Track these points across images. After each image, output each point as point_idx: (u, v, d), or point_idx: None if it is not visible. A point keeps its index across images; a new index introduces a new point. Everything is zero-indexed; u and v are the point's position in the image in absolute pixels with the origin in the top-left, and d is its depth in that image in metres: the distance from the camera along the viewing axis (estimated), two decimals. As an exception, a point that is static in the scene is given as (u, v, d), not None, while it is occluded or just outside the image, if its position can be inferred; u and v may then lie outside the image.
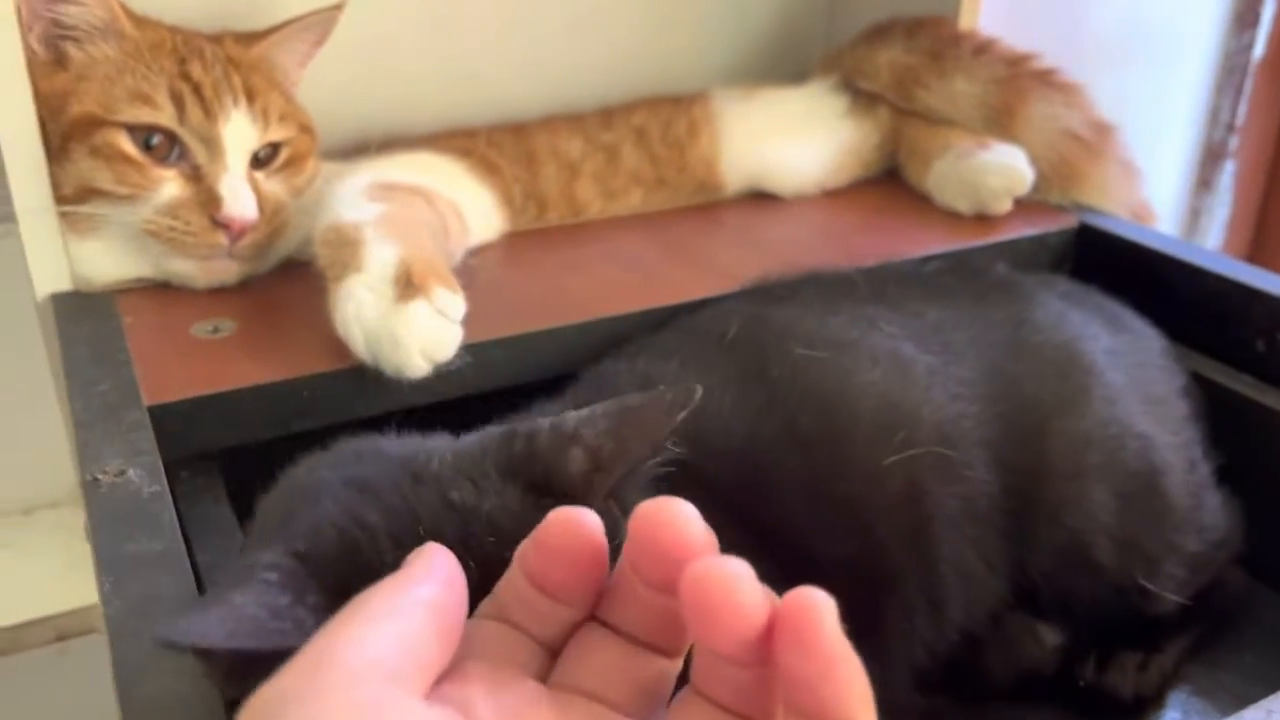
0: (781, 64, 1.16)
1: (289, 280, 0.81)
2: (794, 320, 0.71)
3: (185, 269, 0.78)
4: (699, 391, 0.46)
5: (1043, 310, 0.75)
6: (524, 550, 0.37)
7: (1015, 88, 0.96)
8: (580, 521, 0.36)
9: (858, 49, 1.05)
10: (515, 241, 0.90)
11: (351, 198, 0.76)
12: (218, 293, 0.79)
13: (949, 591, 0.63)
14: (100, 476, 0.56)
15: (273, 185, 0.81)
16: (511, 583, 0.37)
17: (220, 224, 0.76)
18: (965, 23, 1.02)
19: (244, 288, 0.80)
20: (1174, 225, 1.57)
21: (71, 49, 0.76)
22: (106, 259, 0.79)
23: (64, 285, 0.78)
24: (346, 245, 0.71)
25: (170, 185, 0.76)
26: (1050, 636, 0.66)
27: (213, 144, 0.77)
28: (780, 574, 0.59)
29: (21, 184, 0.75)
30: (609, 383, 0.66)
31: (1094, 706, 0.68)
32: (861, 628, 0.60)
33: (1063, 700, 0.69)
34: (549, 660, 0.37)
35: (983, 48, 0.99)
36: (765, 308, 0.73)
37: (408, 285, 0.68)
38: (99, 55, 0.76)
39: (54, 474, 0.99)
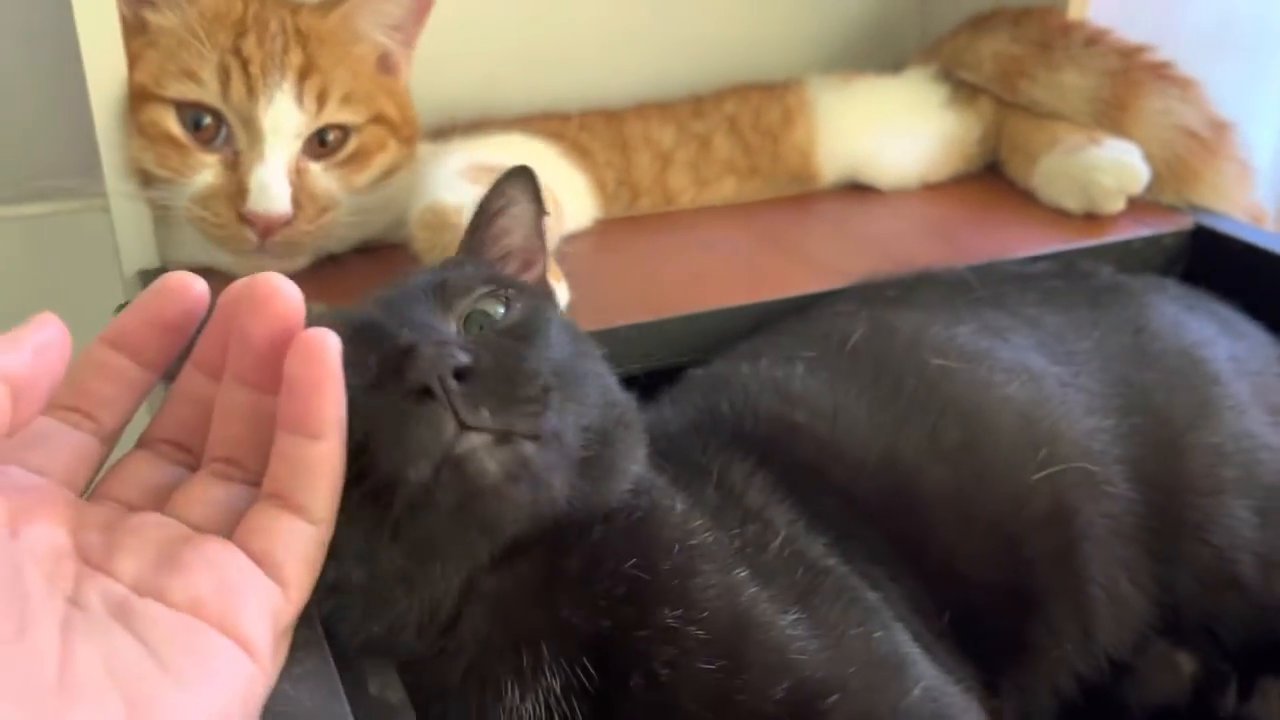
0: (873, 52, 1.13)
1: (377, 261, 0.79)
2: (921, 328, 0.68)
3: (228, 261, 0.75)
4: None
5: (1158, 315, 0.72)
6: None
7: (1129, 81, 0.92)
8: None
9: (959, 38, 1.01)
10: (607, 228, 0.87)
11: (450, 179, 0.74)
12: (305, 274, 0.77)
13: (1099, 615, 0.60)
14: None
15: (327, 179, 0.75)
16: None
17: (246, 220, 0.72)
18: (1074, 13, 0.98)
19: (334, 267, 0.78)
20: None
21: (149, 13, 0.73)
22: (178, 243, 0.77)
23: (152, 263, 0.76)
24: (447, 229, 0.69)
25: (207, 172, 0.72)
26: (1187, 664, 0.63)
27: (252, 127, 0.72)
28: (929, 594, 0.57)
29: (111, 157, 0.73)
30: (730, 385, 0.64)
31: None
32: (1010, 656, 0.59)
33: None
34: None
35: (1094, 39, 0.95)
36: (886, 312, 0.70)
37: (511, 271, 0.66)
38: (166, 23, 0.73)
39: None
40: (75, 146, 0.91)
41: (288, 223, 0.72)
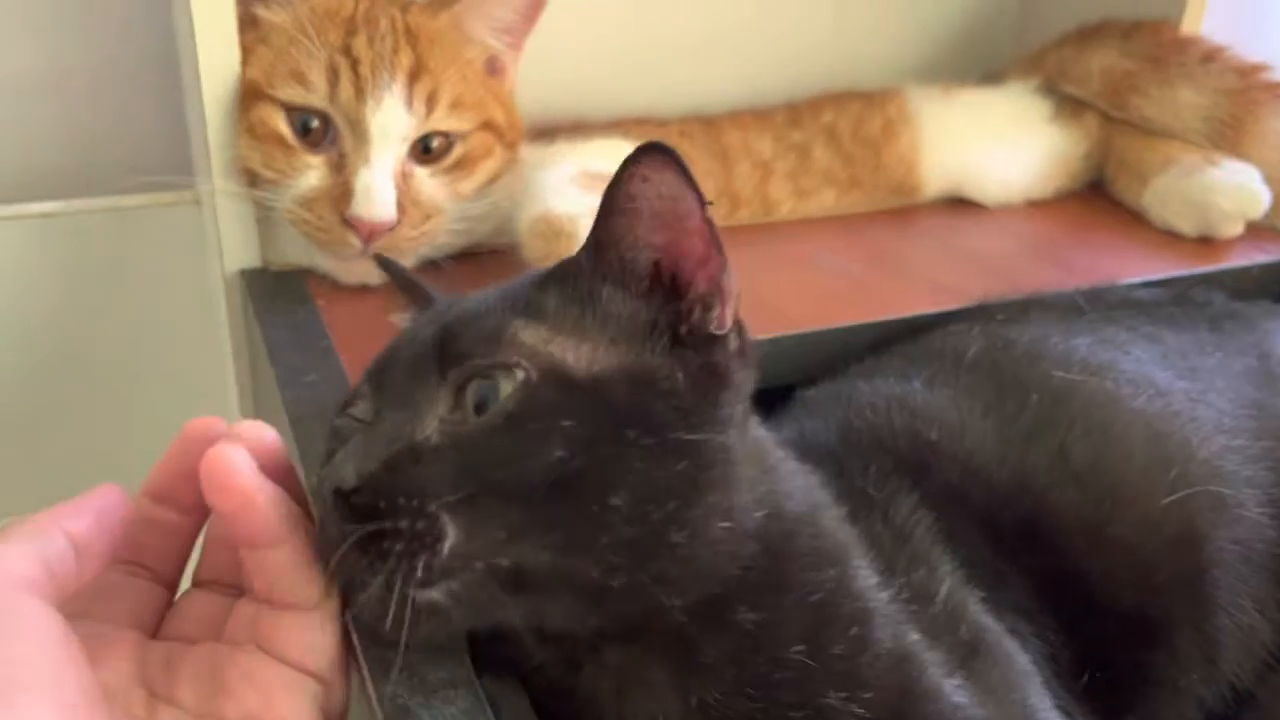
0: (967, 61, 1.10)
1: (478, 267, 0.77)
2: (1038, 341, 0.66)
3: (328, 265, 0.74)
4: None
5: None
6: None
7: (1247, 100, 0.89)
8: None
9: (1064, 50, 0.99)
10: (707, 239, 0.85)
11: (561, 187, 0.72)
12: (422, 272, 0.75)
13: (1225, 644, 0.58)
14: (326, 479, 0.53)
15: (432, 186, 0.73)
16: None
17: (350, 224, 0.70)
18: (1188, 27, 0.95)
19: (435, 273, 0.76)
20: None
21: (260, 9, 0.72)
22: (278, 243, 0.75)
23: (254, 262, 0.75)
24: (562, 238, 0.67)
25: (313, 174, 0.70)
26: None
27: (359, 129, 0.70)
28: (1058, 623, 0.55)
29: (220, 155, 0.72)
30: (854, 402, 0.61)
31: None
32: (1136, 691, 0.57)
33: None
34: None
35: (1210, 55, 0.92)
36: (1000, 329, 0.68)
37: (629, 286, 0.64)
38: (277, 20, 0.71)
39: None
40: (168, 140, 0.91)
41: (392, 228, 0.70)
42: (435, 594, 0.39)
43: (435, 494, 0.39)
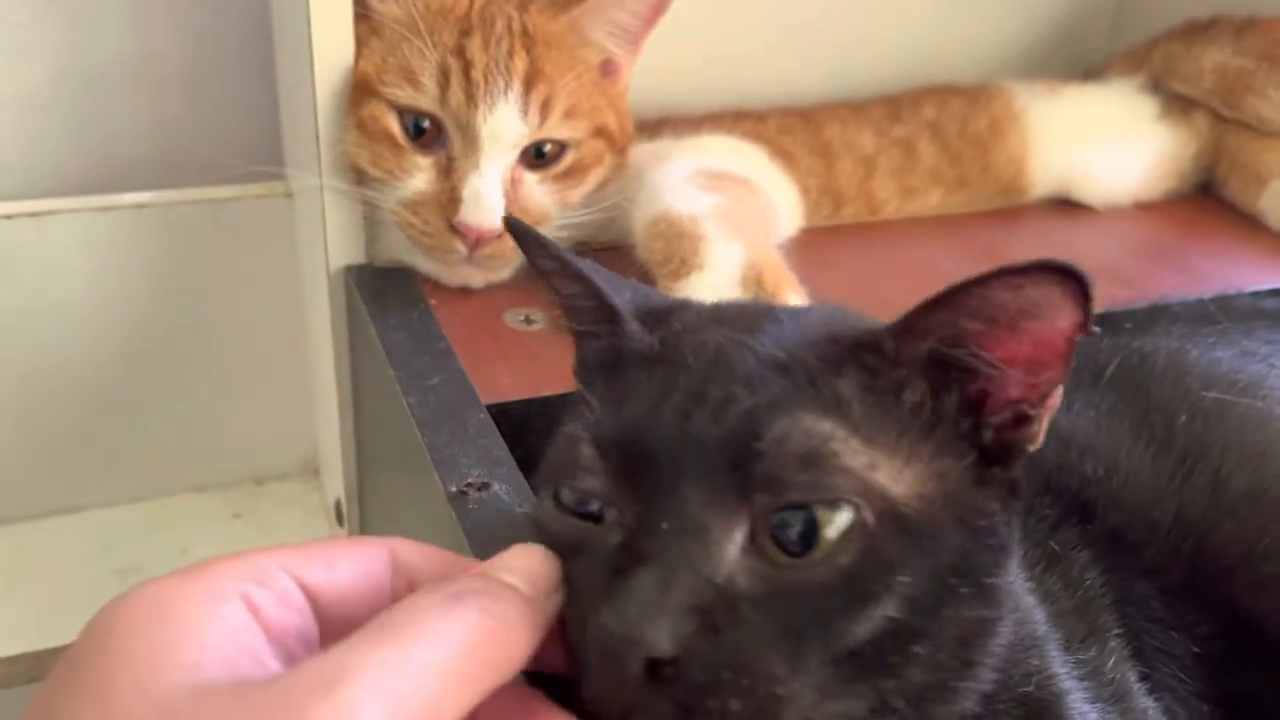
0: (1060, 56, 1.07)
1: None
2: (1178, 355, 0.63)
3: (431, 268, 0.71)
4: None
5: None
6: None
7: (1370, 102, 0.86)
8: None
9: (1172, 47, 0.96)
10: (811, 239, 0.83)
11: (680, 186, 0.70)
12: (507, 284, 0.73)
13: None
14: (466, 490, 0.51)
15: (541, 193, 0.71)
16: None
17: (456, 230, 0.68)
18: (1305, 24, 0.92)
19: (537, 276, 0.74)
20: None
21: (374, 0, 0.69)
22: (382, 241, 0.73)
23: (358, 259, 0.73)
24: (684, 239, 0.65)
25: (421, 176, 0.68)
26: None
27: (469, 134, 0.67)
28: (1221, 665, 0.52)
29: (329, 151, 0.70)
30: None
31: None
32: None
33: None
34: None
35: (1330, 54, 0.88)
36: (1133, 341, 0.65)
37: (759, 290, 0.62)
38: (390, 13, 0.69)
39: (287, 445, 0.96)
40: (260, 131, 0.89)
41: (499, 236, 0.68)
42: None
43: (767, 671, 0.32)
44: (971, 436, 0.37)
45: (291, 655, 0.31)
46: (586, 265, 0.43)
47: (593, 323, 0.42)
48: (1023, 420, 0.38)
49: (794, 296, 0.63)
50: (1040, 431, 0.38)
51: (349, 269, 0.72)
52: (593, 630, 0.33)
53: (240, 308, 0.88)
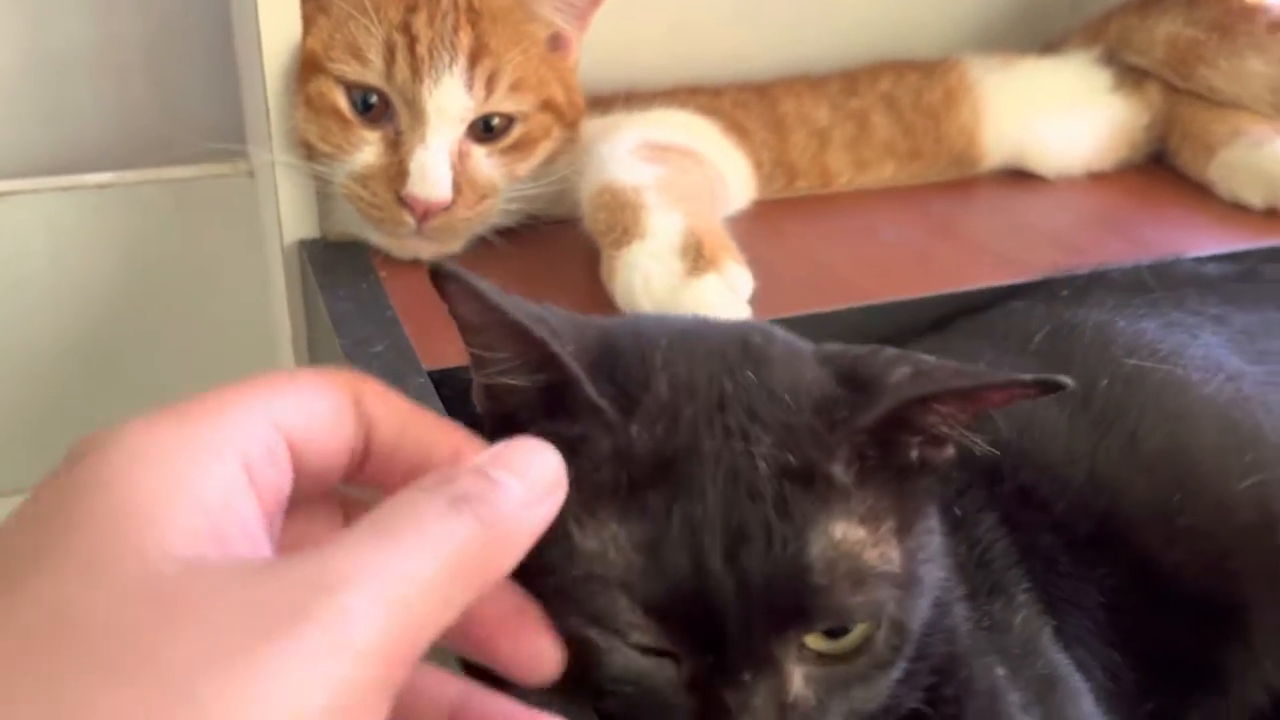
0: (1020, 30, 1.08)
1: (530, 242, 0.76)
2: (1105, 325, 0.64)
3: (382, 241, 0.72)
4: (1069, 385, 0.39)
5: None
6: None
7: (1318, 71, 0.87)
8: None
9: (1127, 19, 0.97)
10: (765, 211, 0.84)
11: (624, 158, 0.71)
12: (457, 257, 0.74)
13: None
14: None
15: (489, 166, 0.72)
16: None
17: (405, 203, 0.69)
18: (1256, -5, 0.93)
19: (487, 249, 0.75)
20: None
21: None
22: (335, 216, 0.74)
23: (312, 233, 0.74)
24: (626, 209, 0.67)
25: (369, 150, 0.69)
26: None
27: (415, 108, 0.68)
28: (1126, 641, 0.54)
29: (280, 125, 0.71)
30: None
31: None
32: (1203, 685, 0.56)
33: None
34: None
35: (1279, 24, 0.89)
36: (1065, 310, 0.67)
37: (698, 258, 0.63)
38: None
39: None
40: (221, 112, 0.90)
41: (446, 208, 0.69)
42: None
43: None
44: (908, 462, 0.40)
45: (272, 521, 0.31)
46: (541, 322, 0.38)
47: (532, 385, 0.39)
48: (943, 442, 0.41)
49: (733, 265, 0.64)
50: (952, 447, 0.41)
51: (302, 243, 0.74)
52: None
53: (204, 286, 0.89)
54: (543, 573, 0.36)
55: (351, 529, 0.28)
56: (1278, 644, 0.57)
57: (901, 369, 0.39)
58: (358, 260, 0.72)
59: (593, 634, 0.37)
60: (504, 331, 0.38)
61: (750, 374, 0.39)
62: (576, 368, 0.37)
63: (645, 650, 0.37)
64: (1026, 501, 0.55)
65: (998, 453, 0.54)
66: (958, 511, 0.52)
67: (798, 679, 0.37)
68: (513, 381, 0.39)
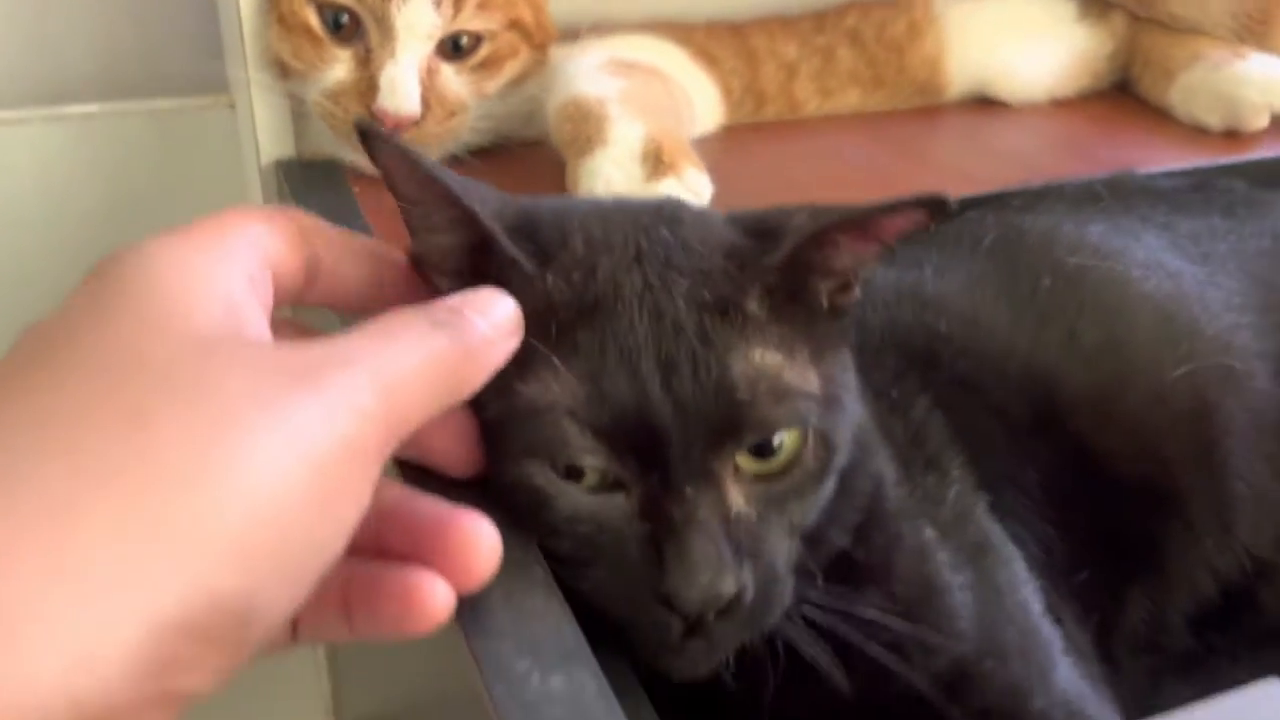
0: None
1: (501, 162, 0.78)
2: (1052, 228, 0.67)
3: (355, 157, 0.74)
4: (952, 203, 0.40)
5: None
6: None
7: (1276, -5, 0.89)
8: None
9: (1091, -50, 0.98)
10: (734, 134, 0.86)
11: (589, 72, 0.73)
12: (447, 166, 0.76)
13: (1239, 510, 0.60)
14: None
15: (458, 83, 0.74)
16: None
17: (375, 117, 0.71)
18: (1217, -76, 0.94)
19: (458, 168, 0.77)
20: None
21: None
22: (310, 136, 0.76)
23: (288, 153, 0.76)
24: (590, 119, 0.69)
25: (340, 67, 0.72)
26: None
27: (385, 25, 0.71)
28: (1063, 515, 0.56)
29: (254, 46, 0.73)
30: (868, 295, 0.62)
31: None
32: (1145, 562, 0.59)
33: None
34: None
35: (1239, -50, 0.91)
36: (1015, 216, 0.69)
37: (658, 163, 0.65)
38: None
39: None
40: (205, 42, 0.92)
41: (416, 123, 0.71)
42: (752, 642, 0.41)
43: (777, 570, 0.40)
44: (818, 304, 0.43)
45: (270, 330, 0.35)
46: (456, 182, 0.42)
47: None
48: (848, 286, 0.44)
49: (692, 170, 0.66)
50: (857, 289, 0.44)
51: (279, 163, 0.76)
52: (659, 596, 0.38)
53: (187, 213, 0.90)
54: (492, 426, 0.40)
55: (353, 329, 0.34)
56: (1215, 525, 0.60)
57: (801, 214, 0.41)
58: (332, 177, 0.74)
59: (542, 482, 0.40)
60: (430, 193, 0.41)
61: (664, 231, 0.42)
62: (493, 223, 0.40)
63: (594, 489, 0.40)
64: (965, 387, 0.57)
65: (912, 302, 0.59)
66: (894, 394, 0.55)
67: (736, 495, 0.40)
68: (441, 241, 0.42)
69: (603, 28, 0.87)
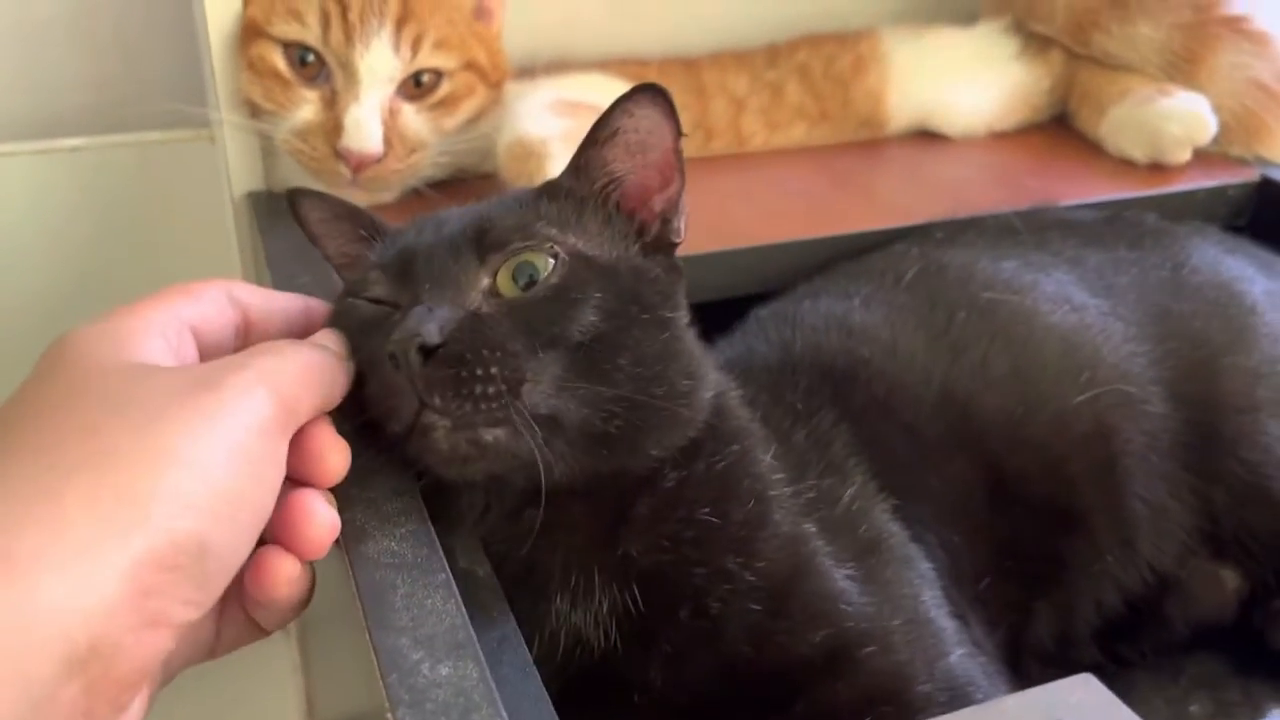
0: (947, 5, 1.14)
1: (460, 192, 0.83)
2: (969, 264, 0.72)
3: (321, 191, 0.79)
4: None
5: (1198, 253, 0.75)
6: None
7: (1203, 35, 0.93)
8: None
9: (1033, -10, 1.03)
10: (681, 168, 0.91)
11: (536, 112, 0.78)
12: (393, 206, 0.82)
13: (1140, 527, 0.64)
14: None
15: (419, 122, 0.79)
16: None
17: (340, 155, 0.76)
18: (1149, -34, 0.99)
19: (420, 201, 0.82)
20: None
21: None
22: (281, 170, 0.82)
23: (259, 185, 0.82)
24: (533, 158, 0.74)
25: (308, 108, 0.77)
26: (1231, 580, 0.66)
27: (349, 69, 0.76)
28: (968, 529, 0.61)
29: (225, 88, 0.79)
30: (797, 322, 0.68)
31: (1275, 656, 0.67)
32: (1050, 577, 0.63)
33: (1241, 652, 0.69)
34: None
35: (1168, -9, 0.95)
36: (936, 251, 0.74)
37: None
38: None
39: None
40: (186, 79, 0.97)
41: (379, 160, 0.77)
42: (494, 434, 0.45)
43: (512, 348, 0.45)
44: (637, 236, 0.53)
45: None
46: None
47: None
48: (668, 222, 0.53)
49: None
50: (682, 228, 0.54)
51: (250, 195, 0.81)
52: (381, 353, 0.45)
53: (170, 243, 0.96)
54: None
55: (246, 350, 0.45)
56: (1117, 541, 0.64)
57: None
58: (298, 209, 0.79)
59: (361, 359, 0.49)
60: (344, 213, 0.58)
61: (459, 213, 0.53)
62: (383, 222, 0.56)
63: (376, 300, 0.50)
64: (877, 407, 0.62)
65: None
66: (799, 405, 0.60)
67: (481, 299, 0.48)
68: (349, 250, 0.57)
69: (557, 66, 0.93)
